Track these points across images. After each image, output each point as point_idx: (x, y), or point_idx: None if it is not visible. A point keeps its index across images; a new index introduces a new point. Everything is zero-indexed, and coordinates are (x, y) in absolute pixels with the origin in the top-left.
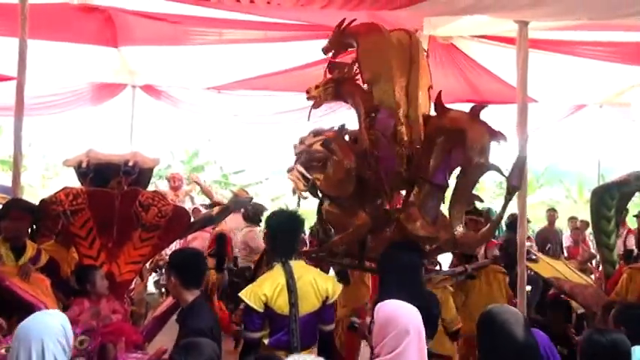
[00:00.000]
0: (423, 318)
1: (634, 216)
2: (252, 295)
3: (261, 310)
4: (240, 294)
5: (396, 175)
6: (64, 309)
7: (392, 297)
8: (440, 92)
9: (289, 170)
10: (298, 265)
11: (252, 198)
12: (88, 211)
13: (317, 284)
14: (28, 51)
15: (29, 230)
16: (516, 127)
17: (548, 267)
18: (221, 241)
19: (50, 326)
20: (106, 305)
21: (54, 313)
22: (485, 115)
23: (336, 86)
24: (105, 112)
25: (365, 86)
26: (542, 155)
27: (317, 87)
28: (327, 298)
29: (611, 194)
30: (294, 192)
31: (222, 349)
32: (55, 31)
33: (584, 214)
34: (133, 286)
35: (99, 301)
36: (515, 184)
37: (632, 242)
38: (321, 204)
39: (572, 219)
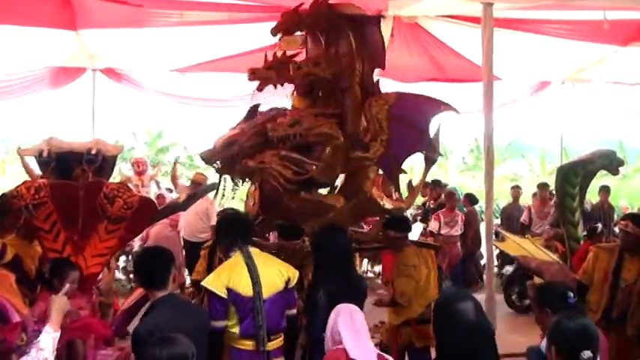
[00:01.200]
0: (353, 298)
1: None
2: (214, 281)
3: (224, 295)
4: (202, 282)
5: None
6: (30, 304)
7: (329, 280)
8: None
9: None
10: (256, 251)
11: (216, 184)
12: (51, 204)
13: (278, 266)
14: None
15: None
16: (482, 105)
17: (515, 245)
18: None
19: None
20: (72, 302)
21: None
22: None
23: (278, 68)
24: (65, 95)
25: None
26: (505, 130)
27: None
28: (288, 280)
29: (575, 172)
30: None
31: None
32: (11, 14)
33: None
34: (100, 277)
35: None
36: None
37: None
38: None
39: (542, 186)
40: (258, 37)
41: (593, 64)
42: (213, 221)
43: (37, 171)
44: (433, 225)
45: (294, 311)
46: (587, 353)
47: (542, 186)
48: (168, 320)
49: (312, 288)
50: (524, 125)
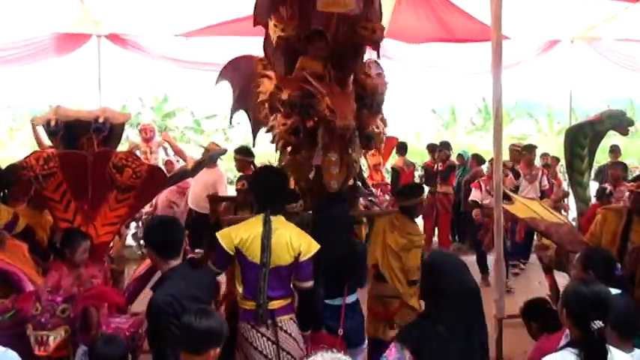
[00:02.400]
0: (349, 266)
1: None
2: (226, 236)
3: (231, 252)
4: (217, 233)
5: None
6: (43, 273)
7: (324, 247)
8: None
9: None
10: (279, 220)
11: (225, 150)
12: (61, 174)
13: (291, 240)
14: None
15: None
16: (491, 65)
17: (524, 207)
18: None
19: None
20: (85, 271)
21: None
22: (458, 53)
23: None
24: (71, 61)
25: None
26: (512, 90)
27: None
28: (299, 254)
29: (584, 133)
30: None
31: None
32: None
33: (555, 146)
34: (111, 245)
35: (78, 266)
36: None
37: None
38: None
39: (544, 156)
40: None
41: (603, 22)
42: (222, 193)
43: (47, 141)
44: (475, 194)
45: (307, 284)
46: (599, 323)
47: (528, 147)
48: (184, 290)
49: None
50: (531, 84)
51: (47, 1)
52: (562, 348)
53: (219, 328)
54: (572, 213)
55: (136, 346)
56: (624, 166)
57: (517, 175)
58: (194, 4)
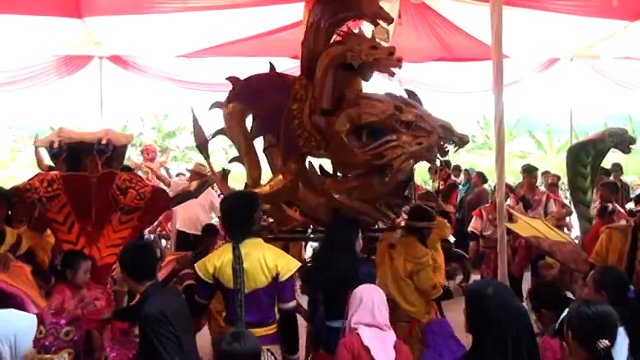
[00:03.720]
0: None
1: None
2: (202, 267)
3: (210, 281)
4: (195, 265)
5: None
6: (46, 295)
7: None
8: None
9: None
10: (250, 243)
11: (229, 171)
12: (65, 196)
13: (265, 261)
14: None
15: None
16: (492, 84)
17: (527, 226)
18: None
19: None
20: (88, 293)
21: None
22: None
23: None
24: (73, 82)
25: None
26: (513, 108)
27: None
28: (277, 274)
29: (586, 151)
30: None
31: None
32: (16, 3)
33: (555, 164)
34: (114, 266)
35: (80, 287)
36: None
37: None
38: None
39: (546, 174)
40: (262, 21)
41: (602, 40)
42: (218, 212)
43: (48, 161)
44: (475, 223)
45: (289, 305)
46: (605, 342)
47: (528, 170)
48: (169, 303)
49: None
50: (531, 102)
51: (49, 23)
52: None
53: (259, 343)
54: (575, 231)
55: None
56: (613, 186)
57: (527, 205)
58: (195, 26)
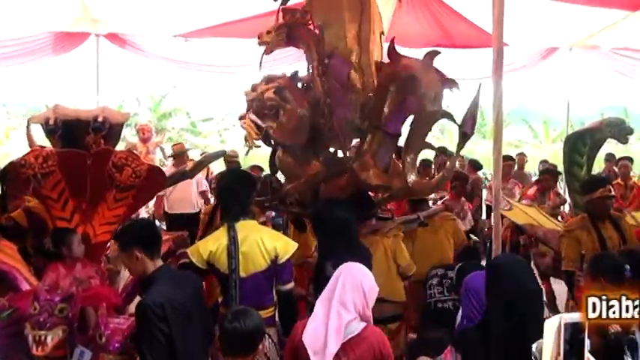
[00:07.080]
0: None
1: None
2: (196, 252)
3: (203, 267)
4: (187, 250)
5: (349, 123)
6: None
7: (329, 254)
8: (393, 39)
9: (241, 118)
10: (246, 226)
11: (224, 152)
12: (59, 172)
13: (264, 244)
14: None
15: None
16: (492, 72)
17: (522, 214)
18: None
19: None
20: (82, 270)
21: None
22: (457, 59)
23: (288, 31)
24: (69, 60)
25: (317, 32)
26: (509, 96)
27: (269, 32)
28: (276, 257)
29: (583, 141)
30: (245, 140)
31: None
32: None
33: (550, 153)
34: (108, 244)
35: (74, 265)
36: (468, 131)
37: None
38: (274, 153)
39: (543, 162)
40: (261, 2)
41: (602, 30)
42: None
43: (40, 140)
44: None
45: (287, 287)
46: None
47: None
48: (173, 292)
49: (318, 263)
50: (527, 91)
51: None
52: None
53: (262, 322)
54: None
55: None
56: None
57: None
58: (194, 5)
